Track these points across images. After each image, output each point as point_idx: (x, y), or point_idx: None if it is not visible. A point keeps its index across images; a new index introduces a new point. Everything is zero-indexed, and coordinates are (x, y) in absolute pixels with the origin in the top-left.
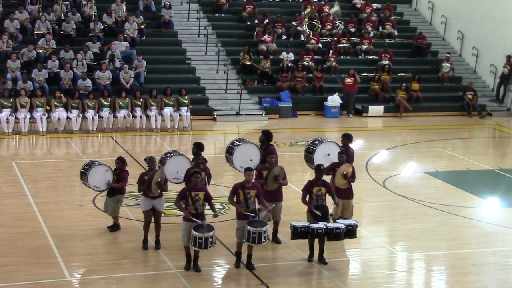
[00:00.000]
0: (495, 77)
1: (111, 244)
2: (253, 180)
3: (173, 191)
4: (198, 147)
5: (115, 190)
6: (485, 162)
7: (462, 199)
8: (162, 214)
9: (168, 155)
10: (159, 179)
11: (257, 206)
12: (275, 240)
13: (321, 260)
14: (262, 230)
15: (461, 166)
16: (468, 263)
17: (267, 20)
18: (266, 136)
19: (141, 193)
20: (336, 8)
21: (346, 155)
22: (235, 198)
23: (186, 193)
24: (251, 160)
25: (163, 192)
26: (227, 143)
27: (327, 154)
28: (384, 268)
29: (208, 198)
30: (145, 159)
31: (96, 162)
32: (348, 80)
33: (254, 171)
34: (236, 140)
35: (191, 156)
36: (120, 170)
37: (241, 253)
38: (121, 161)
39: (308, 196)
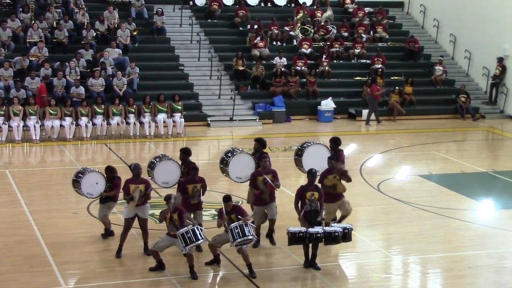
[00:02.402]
0: (487, 79)
1: (106, 252)
2: (248, 186)
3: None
4: (185, 153)
5: (108, 197)
6: (479, 164)
7: (457, 201)
8: (156, 221)
9: (157, 160)
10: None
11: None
12: (271, 241)
13: (314, 266)
14: (244, 223)
15: (455, 168)
16: (463, 265)
17: (256, 26)
18: (261, 144)
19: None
20: (328, 12)
21: (336, 159)
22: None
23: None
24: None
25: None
26: (221, 149)
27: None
28: (380, 272)
29: (182, 218)
30: (130, 167)
31: (89, 170)
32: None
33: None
34: (229, 152)
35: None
36: (111, 178)
37: (218, 255)
38: (109, 171)
39: (300, 201)
